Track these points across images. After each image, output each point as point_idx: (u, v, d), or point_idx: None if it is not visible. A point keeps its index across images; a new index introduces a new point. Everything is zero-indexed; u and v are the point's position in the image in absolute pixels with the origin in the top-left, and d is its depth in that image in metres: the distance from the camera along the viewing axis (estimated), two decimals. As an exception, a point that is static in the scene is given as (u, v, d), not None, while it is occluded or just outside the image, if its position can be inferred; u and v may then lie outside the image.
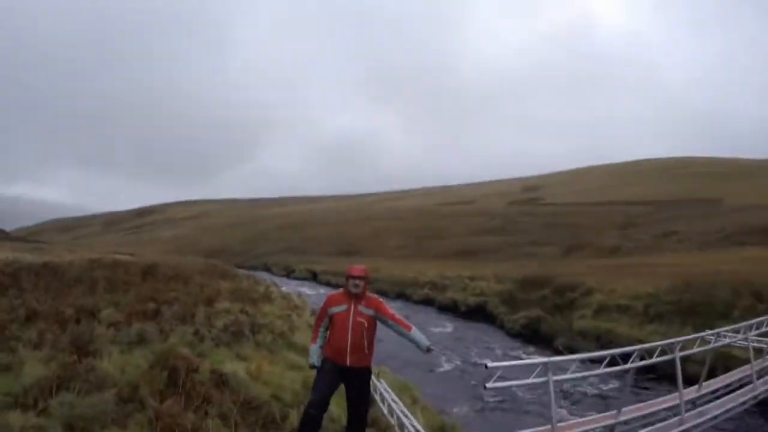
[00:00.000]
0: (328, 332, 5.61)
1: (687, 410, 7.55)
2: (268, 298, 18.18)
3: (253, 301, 16.12)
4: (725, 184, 77.31)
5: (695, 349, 8.09)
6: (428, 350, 5.61)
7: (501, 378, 5.56)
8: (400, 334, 5.65)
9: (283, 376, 7.79)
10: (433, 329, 23.02)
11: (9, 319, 8.89)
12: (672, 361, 7.13)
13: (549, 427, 5.98)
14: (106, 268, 19.80)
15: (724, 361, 11.96)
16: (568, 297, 21.99)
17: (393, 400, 7.39)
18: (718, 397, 9.01)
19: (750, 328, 9.49)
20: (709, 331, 8.61)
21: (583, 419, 7.64)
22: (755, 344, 9.77)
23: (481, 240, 64.75)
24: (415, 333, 5.63)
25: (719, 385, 9.60)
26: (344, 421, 5.92)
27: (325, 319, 5.62)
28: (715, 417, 8.14)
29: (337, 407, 6.20)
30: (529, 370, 5.92)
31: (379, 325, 5.66)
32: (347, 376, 5.48)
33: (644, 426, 7.35)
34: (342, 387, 5.56)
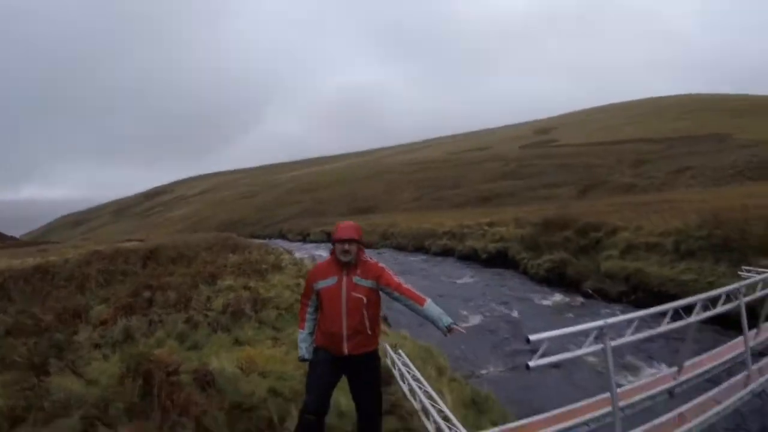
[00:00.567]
0: (318, 314, 4.54)
1: (753, 362, 6.79)
2: (279, 267, 17.23)
3: (260, 272, 15.14)
4: (739, 119, 76.16)
5: (759, 293, 7.01)
6: (449, 330, 4.41)
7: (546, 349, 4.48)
8: (411, 309, 4.48)
9: (286, 361, 6.80)
10: (454, 280, 22.21)
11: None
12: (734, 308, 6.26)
13: (608, 395, 5.19)
14: (104, 260, 18.93)
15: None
16: (592, 237, 20.81)
17: (414, 377, 6.41)
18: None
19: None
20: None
21: (642, 382, 6.73)
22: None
23: (496, 186, 63.74)
24: (430, 307, 4.45)
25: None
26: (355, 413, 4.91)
27: (311, 296, 4.52)
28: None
29: (346, 395, 5.08)
30: (578, 336, 4.86)
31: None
32: (347, 366, 4.46)
33: (708, 383, 6.65)
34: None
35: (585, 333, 4.82)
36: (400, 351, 7.49)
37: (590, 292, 17.54)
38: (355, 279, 4.40)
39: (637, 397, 6.06)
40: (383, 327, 11.99)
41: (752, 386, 6.54)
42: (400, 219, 45.03)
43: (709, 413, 5.84)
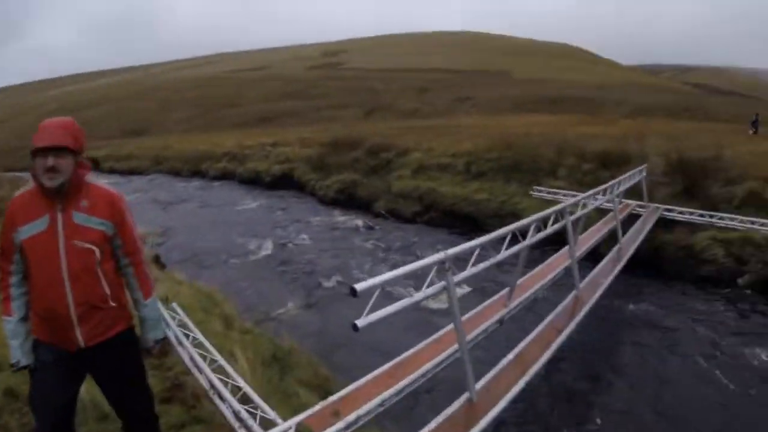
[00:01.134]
0: (28, 284, 2.59)
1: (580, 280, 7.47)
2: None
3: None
4: (513, 59, 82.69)
5: (579, 212, 7.72)
6: (149, 350, 2.87)
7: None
8: (131, 296, 2.80)
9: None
10: (235, 207, 20.27)
11: None
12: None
13: (452, 327, 4.90)
14: None
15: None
16: (383, 158, 20.33)
17: (196, 341, 4.78)
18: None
19: (613, 188, 10.03)
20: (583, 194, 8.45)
21: (480, 308, 6.30)
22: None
23: (280, 105, 61.33)
24: (154, 305, 2.87)
25: (591, 241, 10.20)
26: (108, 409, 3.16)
27: (13, 256, 2.55)
28: (607, 287, 7.97)
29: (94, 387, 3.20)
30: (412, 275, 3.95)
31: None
32: (88, 363, 2.64)
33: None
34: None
35: (424, 270, 3.91)
36: (175, 305, 5.74)
37: (383, 212, 17.09)
38: (77, 217, 2.55)
39: (475, 332, 5.52)
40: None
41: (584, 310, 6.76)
42: (174, 141, 40.81)
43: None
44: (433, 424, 3.97)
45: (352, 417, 3.78)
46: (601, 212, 13.17)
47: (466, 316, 5.73)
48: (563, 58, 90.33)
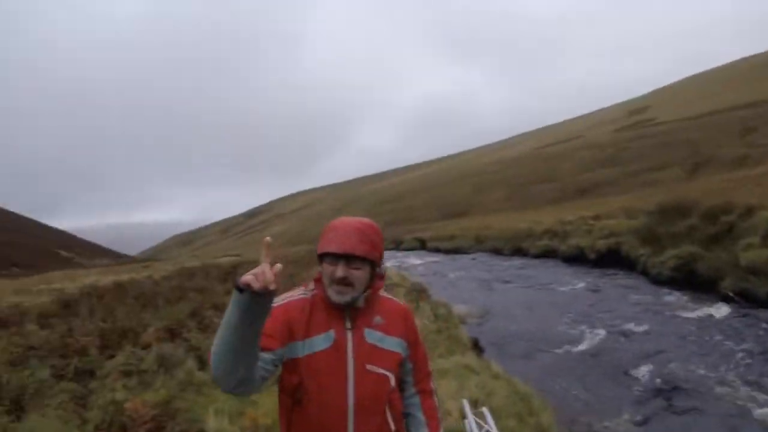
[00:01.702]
0: (293, 411, 2.14)
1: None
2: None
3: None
4: None
5: None
6: None
7: None
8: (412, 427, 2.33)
9: None
10: (559, 288, 19.26)
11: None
12: None
13: None
14: (183, 276, 17.74)
15: None
16: (723, 222, 17.26)
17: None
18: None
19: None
20: None
21: None
22: None
23: (594, 175, 59.37)
24: None
25: None
26: None
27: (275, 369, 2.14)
28: None
29: None
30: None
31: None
32: None
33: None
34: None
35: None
36: (485, 411, 5.23)
37: (730, 294, 14.30)
38: (370, 335, 2.17)
39: None
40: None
41: None
42: (493, 220, 42.26)
43: None
44: None
45: None
46: None
47: None
48: None
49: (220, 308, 10.59)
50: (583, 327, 13.60)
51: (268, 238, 1.83)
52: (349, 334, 2.13)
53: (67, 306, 11.65)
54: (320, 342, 2.10)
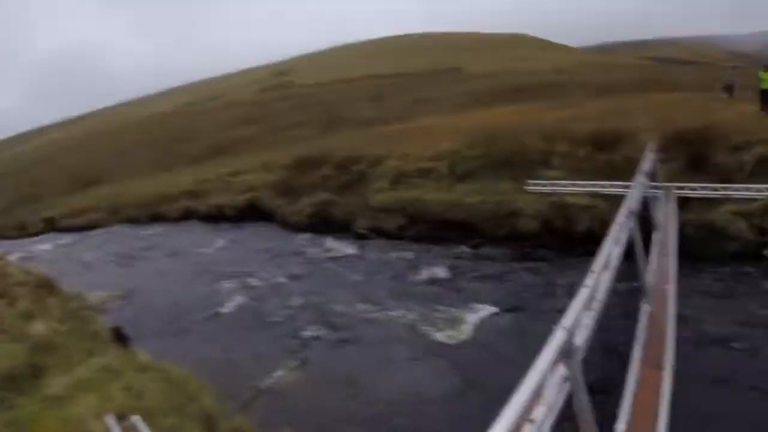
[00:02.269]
0: None
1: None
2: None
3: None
4: (465, 55, 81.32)
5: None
6: None
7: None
8: None
9: None
10: (200, 250, 17.97)
11: None
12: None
13: None
14: None
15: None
16: (355, 171, 18.46)
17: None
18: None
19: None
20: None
21: None
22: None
23: (236, 133, 59.02)
24: None
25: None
26: None
27: None
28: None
29: None
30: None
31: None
32: None
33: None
34: None
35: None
36: (136, 421, 3.93)
37: (364, 231, 15.13)
38: None
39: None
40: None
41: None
42: (132, 187, 38.22)
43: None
44: None
45: None
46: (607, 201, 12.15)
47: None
48: (515, 48, 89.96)
49: None
50: (229, 285, 13.01)
51: None
52: None
53: None
54: None
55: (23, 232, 42.02)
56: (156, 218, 27.70)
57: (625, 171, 13.23)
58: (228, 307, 11.43)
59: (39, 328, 7.77)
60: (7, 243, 32.95)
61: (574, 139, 15.23)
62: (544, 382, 2.98)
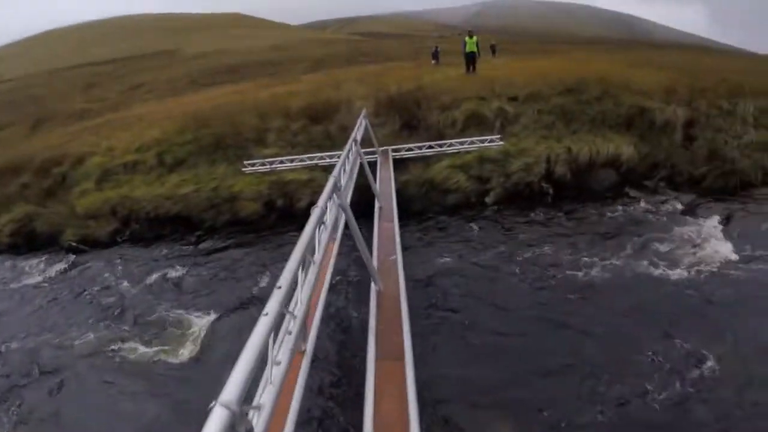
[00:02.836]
0: None
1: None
2: None
3: None
4: (181, 37, 78.71)
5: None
6: None
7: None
8: None
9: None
10: None
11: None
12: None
13: None
14: None
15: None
16: (56, 174, 16.13)
17: None
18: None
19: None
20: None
21: None
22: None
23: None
24: None
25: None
26: None
27: None
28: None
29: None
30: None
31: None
32: None
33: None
34: None
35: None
36: None
37: (74, 244, 13.30)
38: None
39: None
40: None
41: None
42: None
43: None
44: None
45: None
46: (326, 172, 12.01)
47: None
48: (233, 27, 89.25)
49: None
50: None
51: None
52: None
53: None
54: None
55: None
56: None
57: (341, 140, 13.56)
58: None
59: None
60: None
61: (289, 113, 15.14)
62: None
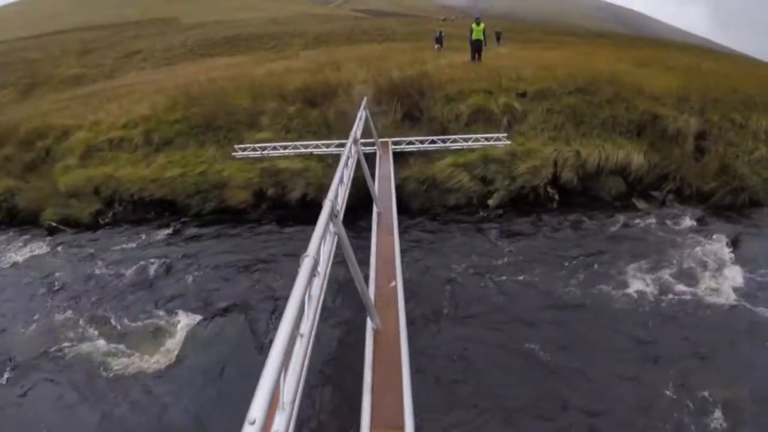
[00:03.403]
0: None
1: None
2: None
3: None
4: (181, 4, 77.30)
5: None
6: None
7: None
8: None
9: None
10: None
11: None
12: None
13: None
14: None
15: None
16: (39, 148, 15.44)
17: None
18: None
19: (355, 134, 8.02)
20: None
21: None
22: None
23: None
24: None
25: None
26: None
27: None
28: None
29: None
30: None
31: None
32: None
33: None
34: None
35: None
36: None
37: (54, 224, 12.68)
38: None
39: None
40: None
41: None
42: None
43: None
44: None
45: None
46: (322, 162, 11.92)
47: None
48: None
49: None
50: None
51: None
52: None
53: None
54: None
55: None
56: None
57: (338, 126, 12.93)
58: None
59: None
60: None
61: (285, 95, 14.46)
62: None
